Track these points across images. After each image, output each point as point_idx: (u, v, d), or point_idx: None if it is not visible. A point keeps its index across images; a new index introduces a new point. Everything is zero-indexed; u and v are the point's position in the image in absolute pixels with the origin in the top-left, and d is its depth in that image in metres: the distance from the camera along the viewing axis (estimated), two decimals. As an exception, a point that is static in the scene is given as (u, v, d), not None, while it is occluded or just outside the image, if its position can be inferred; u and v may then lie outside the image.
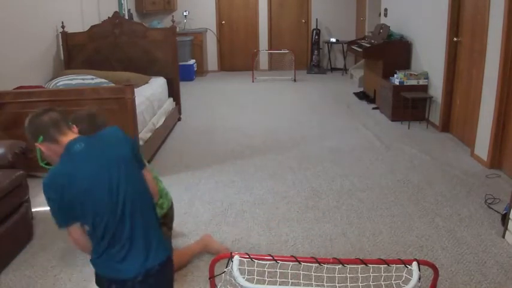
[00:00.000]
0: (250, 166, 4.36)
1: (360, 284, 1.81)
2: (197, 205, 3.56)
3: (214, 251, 2.81)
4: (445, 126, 5.27)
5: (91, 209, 1.66)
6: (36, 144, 1.77)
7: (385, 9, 7.38)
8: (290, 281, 1.74)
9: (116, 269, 1.70)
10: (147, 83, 5.40)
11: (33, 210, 3.23)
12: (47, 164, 1.85)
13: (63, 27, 5.49)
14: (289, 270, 1.70)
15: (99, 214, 1.66)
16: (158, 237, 1.81)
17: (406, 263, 1.54)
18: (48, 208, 1.69)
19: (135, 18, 8.77)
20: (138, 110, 4.07)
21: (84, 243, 1.74)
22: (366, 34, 7.96)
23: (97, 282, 1.85)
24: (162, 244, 1.81)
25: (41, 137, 1.75)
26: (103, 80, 4.87)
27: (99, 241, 1.70)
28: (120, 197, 1.69)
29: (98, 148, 1.75)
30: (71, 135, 1.77)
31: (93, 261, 1.77)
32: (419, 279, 1.51)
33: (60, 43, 5.58)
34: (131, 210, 1.72)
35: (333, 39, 9.54)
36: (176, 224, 2.78)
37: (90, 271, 2.19)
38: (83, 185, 1.65)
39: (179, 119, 6.04)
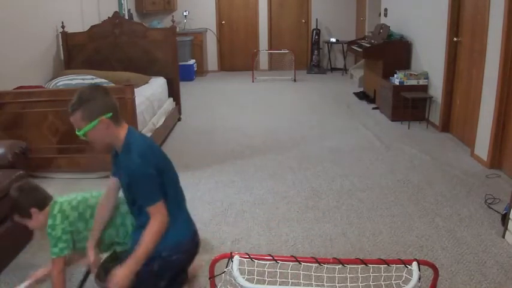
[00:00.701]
0: (250, 166, 4.36)
1: (360, 284, 1.80)
2: (197, 205, 3.55)
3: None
4: (445, 126, 5.27)
5: (170, 178, 1.91)
6: (102, 117, 1.76)
7: (385, 9, 7.38)
8: (290, 281, 1.74)
9: (178, 234, 1.91)
10: (147, 83, 5.40)
11: (33, 210, 3.22)
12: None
13: (63, 27, 5.49)
14: (289, 270, 1.70)
15: (175, 181, 1.97)
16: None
17: (406, 263, 1.54)
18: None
19: (135, 18, 8.77)
20: (138, 110, 4.07)
21: (166, 218, 1.83)
22: (366, 34, 7.96)
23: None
24: None
25: (110, 114, 1.79)
26: (103, 80, 4.87)
27: (170, 210, 1.86)
28: (176, 172, 2.01)
29: None
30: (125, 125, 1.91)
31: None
32: (419, 279, 1.51)
33: (60, 43, 5.58)
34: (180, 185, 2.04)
35: (333, 39, 9.54)
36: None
37: (90, 271, 2.19)
38: (163, 157, 1.93)
39: (179, 119, 6.04)
